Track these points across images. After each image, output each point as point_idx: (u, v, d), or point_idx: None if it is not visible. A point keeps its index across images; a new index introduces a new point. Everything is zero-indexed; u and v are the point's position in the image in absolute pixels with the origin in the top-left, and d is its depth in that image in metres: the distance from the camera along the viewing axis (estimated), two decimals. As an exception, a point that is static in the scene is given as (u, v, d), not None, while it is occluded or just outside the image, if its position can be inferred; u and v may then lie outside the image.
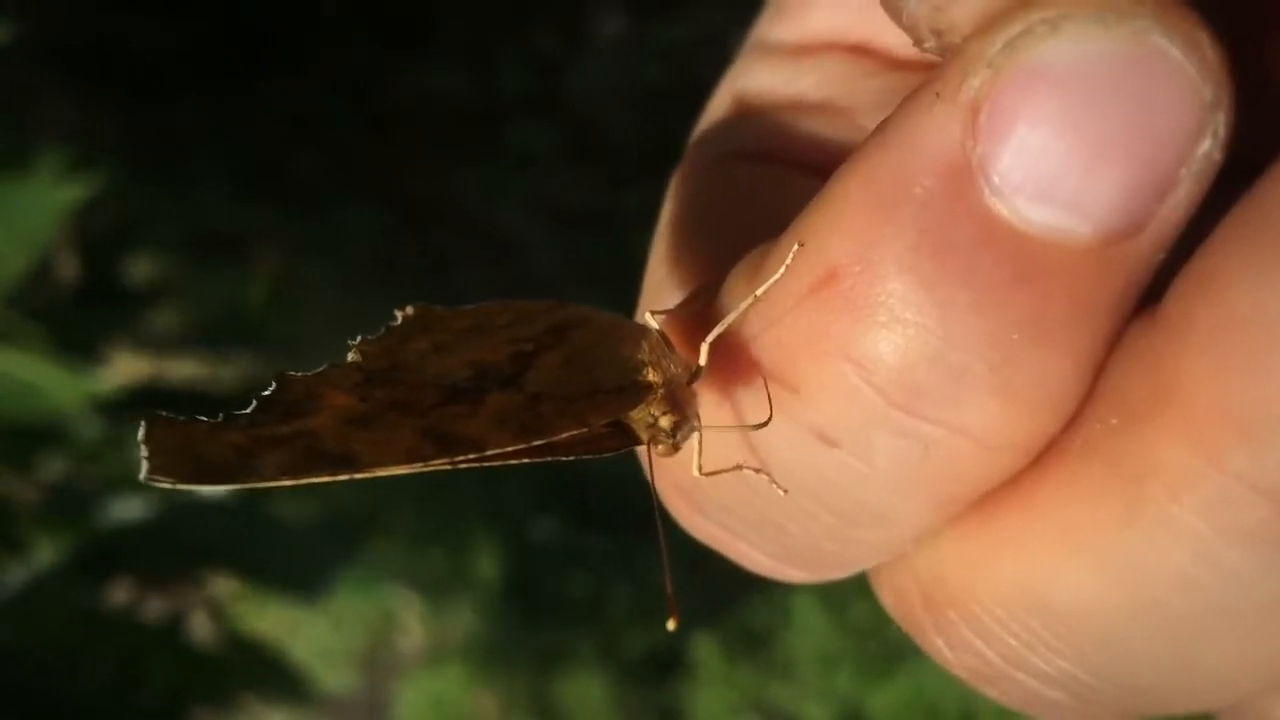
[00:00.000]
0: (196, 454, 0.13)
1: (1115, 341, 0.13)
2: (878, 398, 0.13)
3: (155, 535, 0.46)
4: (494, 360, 0.16)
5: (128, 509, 0.46)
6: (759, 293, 0.14)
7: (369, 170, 1.06)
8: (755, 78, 0.19)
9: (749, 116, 0.19)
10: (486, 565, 1.00)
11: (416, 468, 0.14)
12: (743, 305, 0.15)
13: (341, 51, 1.04)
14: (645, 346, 0.16)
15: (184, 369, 0.77)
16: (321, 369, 0.15)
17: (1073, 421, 0.13)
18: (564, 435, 0.15)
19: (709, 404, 0.16)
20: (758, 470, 0.15)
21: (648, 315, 0.17)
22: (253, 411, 0.14)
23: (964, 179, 0.12)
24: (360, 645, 1.01)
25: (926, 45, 0.13)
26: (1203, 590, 0.13)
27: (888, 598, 0.16)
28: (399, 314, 0.16)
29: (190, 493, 0.47)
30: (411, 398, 0.15)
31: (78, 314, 0.59)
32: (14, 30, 0.45)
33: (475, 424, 0.15)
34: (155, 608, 0.56)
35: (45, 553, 0.46)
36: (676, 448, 0.16)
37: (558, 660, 1.02)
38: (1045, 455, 0.13)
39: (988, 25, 0.12)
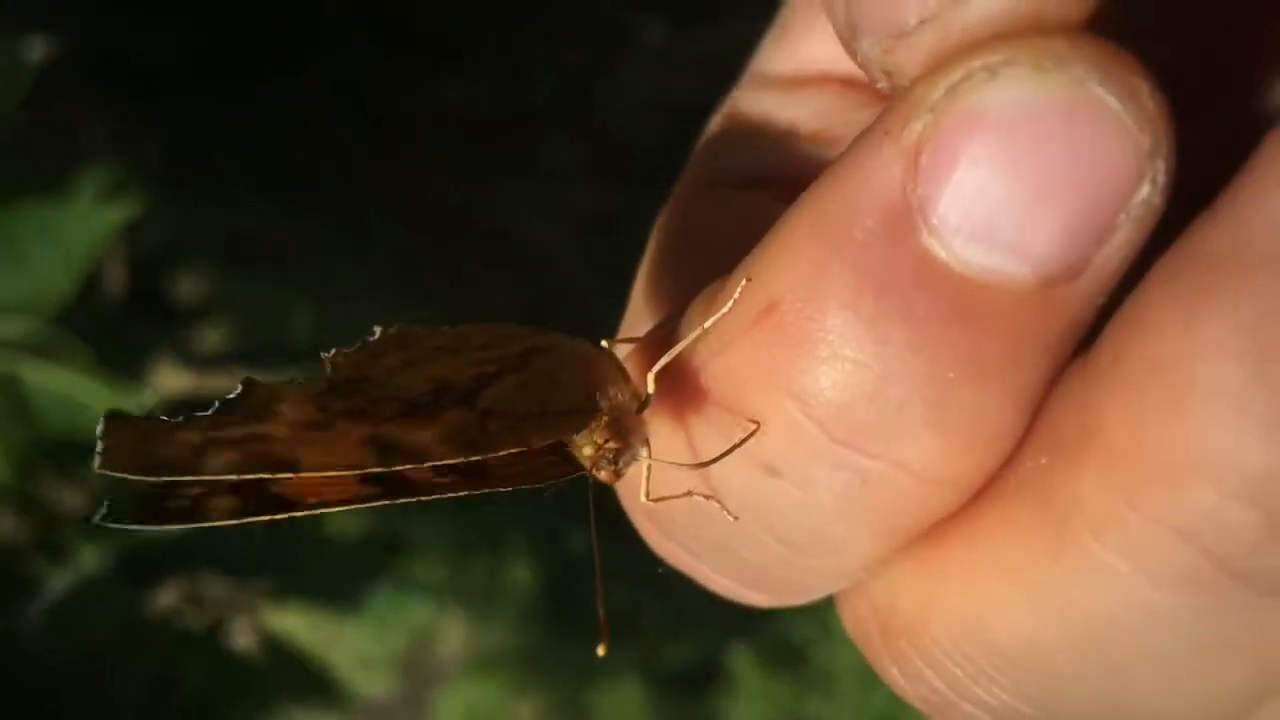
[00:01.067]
0: (149, 449, 0.14)
1: (1054, 382, 0.13)
2: (818, 431, 0.13)
3: (195, 544, 0.47)
4: (457, 379, 0.16)
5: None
6: (707, 325, 0.15)
7: (397, 181, 1.06)
8: (751, 107, 0.19)
9: (742, 145, 0.19)
10: (525, 576, 1.00)
11: (352, 497, 0.15)
12: (690, 336, 0.15)
13: (370, 63, 1.05)
14: (597, 372, 0.16)
15: (225, 384, 0.78)
16: (289, 378, 0.15)
17: (1011, 458, 0.13)
18: (505, 452, 0.15)
19: (663, 432, 0.16)
20: (707, 497, 0.15)
21: (604, 342, 0.17)
22: (213, 413, 0.14)
23: (904, 220, 0.12)
24: (400, 653, 1.01)
25: (880, 85, 0.13)
26: (1131, 631, 0.13)
27: (848, 623, 0.16)
28: (377, 330, 0.17)
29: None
30: (370, 408, 0.15)
31: (123, 329, 0.59)
32: (50, 48, 0.46)
33: (424, 436, 0.15)
34: (196, 615, 0.56)
35: (89, 561, 0.46)
36: (618, 474, 0.16)
37: (595, 671, 1.02)
38: (985, 490, 0.14)
39: (932, 70, 0.12)
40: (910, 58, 0.12)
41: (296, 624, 0.78)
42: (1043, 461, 0.13)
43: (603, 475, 0.16)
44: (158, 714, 0.46)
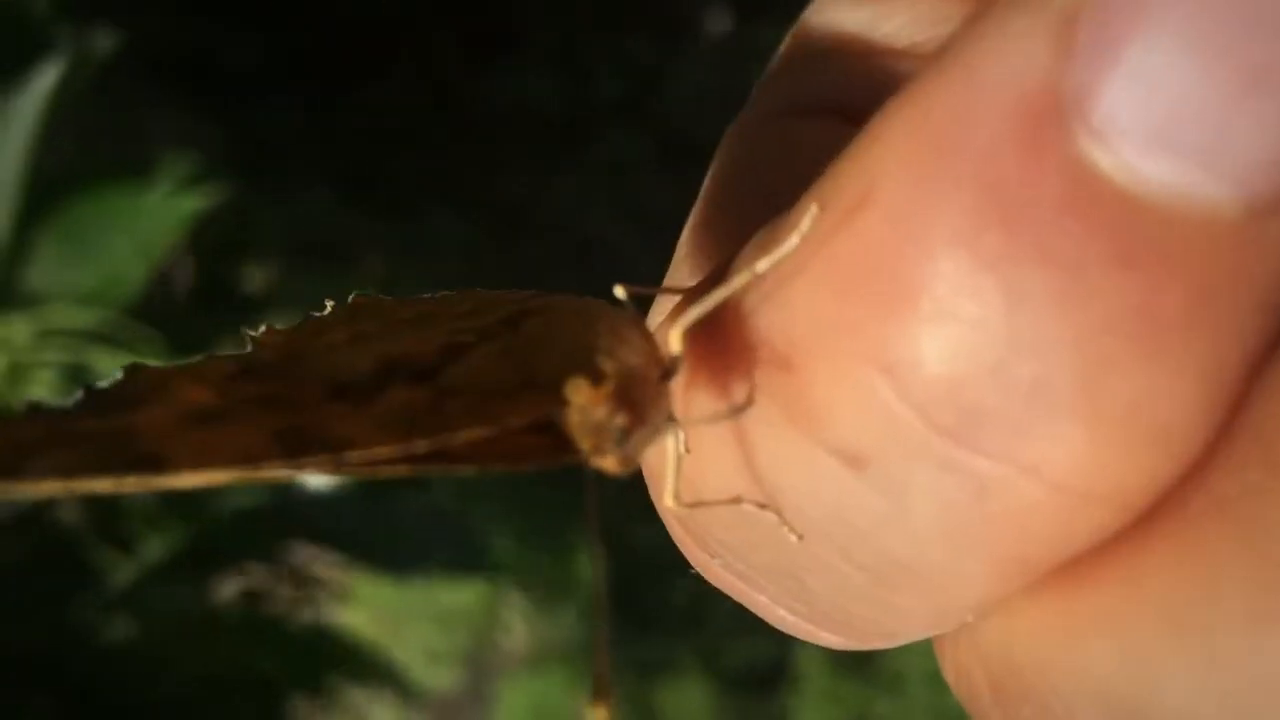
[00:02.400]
0: None
1: (1262, 361, 0.09)
2: (916, 419, 0.09)
3: (261, 522, 0.47)
4: (417, 353, 0.13)
5: (236, 503, 0.47)
6: (759, 268, 0.11)
7: (461, 176, 1.07)
8: (832, 19, 0.15)
9: (819, 65, 0.15)
10: (589, 570, 1.00)
11: (241, 473, 0.11)
12: (736, 282, 0.11)
13: (433, 58, 1.06)
14: (602, 331, 0.12)
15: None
16: (192, 360, 0.12)
17: (1196, 469, 0.09)
18: (463, 438, 0.11)
19: (696, 413, 0.12)
20: (762, 506, 0.11)
21: (620, 290, 0.13)
22: (76, 403, 0.12)
23: (1050, 118, 0.08)
24: (464, 644, 1.02)
25: None
26: None
27: (949, 674, 0.12)
28: (328, 303, 0.14)
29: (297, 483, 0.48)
30: (287, 394, 0.12)
31: (191, 321, 0.60)
32: (118, 41, 0.46)
33: (351, 424, 0.12)
34: (261, 603, 0.57)
35: (155, 550, 0.47)
36: (628, 461, 0.12)
37: (659, 668, 1.01)
38: (1155, 512, 0.10)
39: None
40: None
41: (361, 618, 0.79)
42: (1250, 478, 0.09)
43: (607, 462, 0.12)
44: (220, 704, 0.46)
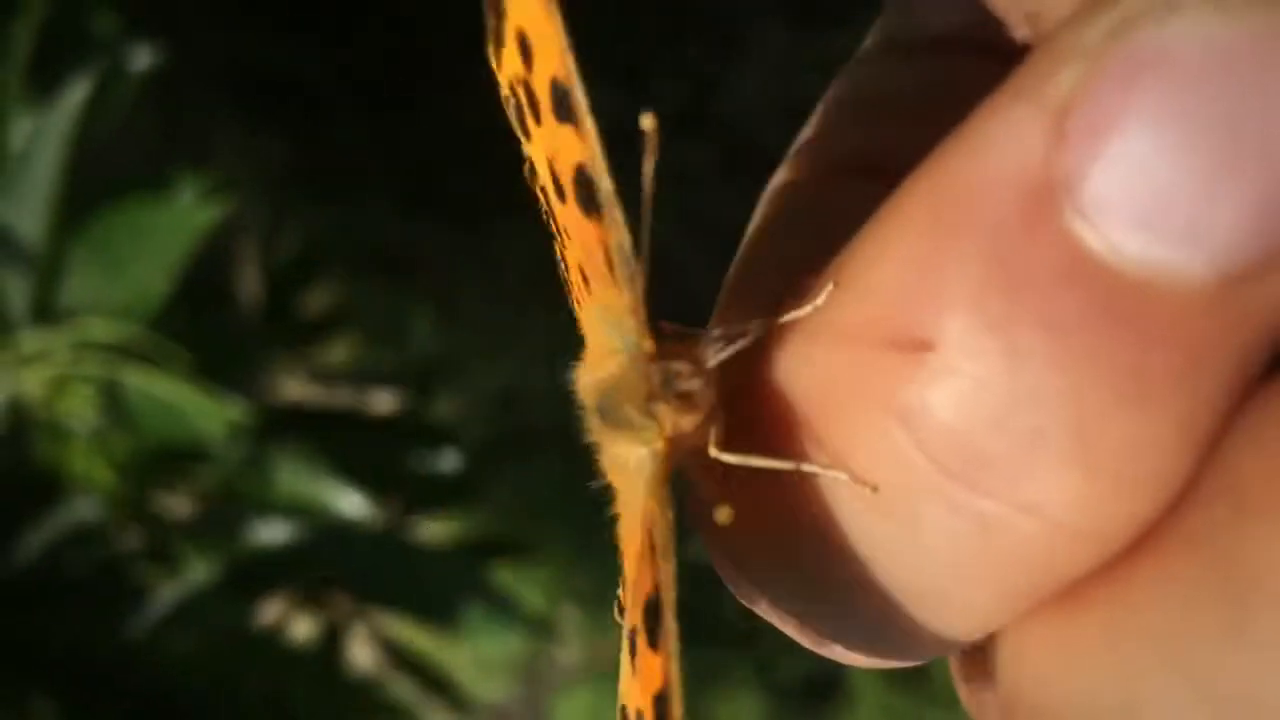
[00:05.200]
0: None
1: (1236, 409, 0.10)
2: (928, 463, 0.10)
3: (299, 559, 0.45)
4: None
5: (272, 532, 0.45)
6: (784, 319, 0.12)
7: (523, 188, 1.05)
8: (868, 80, 0.16)
9: (855, 125, 0.15)
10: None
11: None
12: (755, 331, 0.12)
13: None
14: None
15: (345, 396, 0.77)
16: None
17: (1177, 506, 0.10)
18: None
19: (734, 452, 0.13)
20: (827, 467, 0.12)
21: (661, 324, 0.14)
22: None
23: (1045, 198, 0.09)
24: (519, 656, 1.00)
25: (1020, 33, 0.11)
26: None
27: (962, 691, 0.14)
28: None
29: (334, 517, 0.46)
30: None
31: (253, 340, 0.58)
32: (158, 56, 0.44)
33: None
34: (310, 625, 0.55)
35: (198, 571, 0.45)
36: (691, 402, 0.12)
37: (712, 680, 0.99)
38: (1142, 544, 0.10)
39: (1088, 6, 0.09)
40: None
41: (414, 630, 0.77)
42: (1220, 513, 0.10)
43: (670, 410, 0.12)
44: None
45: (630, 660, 0.13)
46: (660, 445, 0.12)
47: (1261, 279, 0.09)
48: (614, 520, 0.14)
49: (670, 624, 0.12)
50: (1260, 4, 0.09)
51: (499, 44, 0.13)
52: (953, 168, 0.10)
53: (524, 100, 0.13)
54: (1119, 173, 0.09)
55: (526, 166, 0.14)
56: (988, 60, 0.14)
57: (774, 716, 1.01)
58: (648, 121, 0.12)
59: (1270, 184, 0.09)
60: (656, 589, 0.12)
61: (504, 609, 0.45)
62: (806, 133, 0.16)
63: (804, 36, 1.06)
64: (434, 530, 0.58)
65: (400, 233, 1.02)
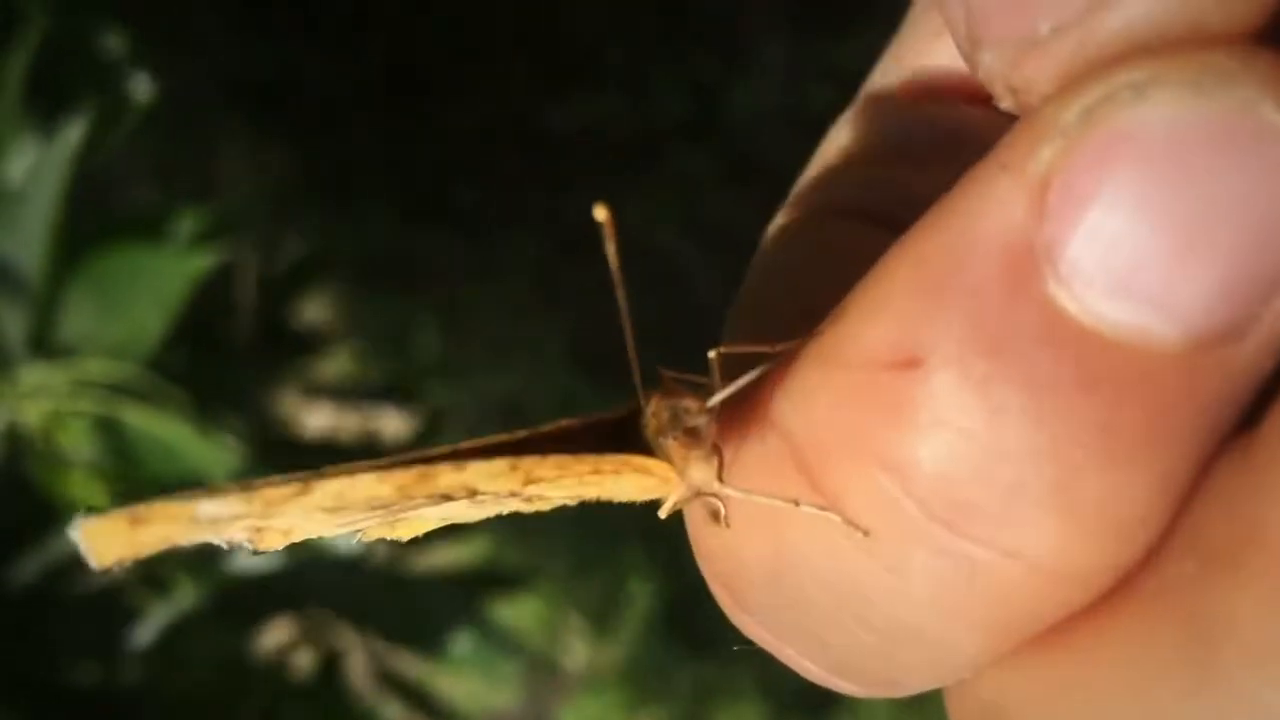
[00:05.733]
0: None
1: (1206, 463, 0.10)
2: (916, 510, 0.11)
3: (290, 586, 0.45)
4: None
5: (265, 559, 0.45)
6: (759, 372, 0.12)
7: (528, 197, 1.05)
8: (865, 126, 0.16)
9: (853, 169, 0.16)
10: (645, 591, 0.97)
11: None
12: (745, 378, 0.13)
13: (501, 79, 1.04)
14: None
15: (348, 413, 0.77)
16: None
17: (1151, 555, 0.11)
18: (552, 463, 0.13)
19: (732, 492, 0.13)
20: (822, 508, 0.12)
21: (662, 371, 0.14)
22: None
23: (1026, 266, 0.10)
24: (523, 664, 1.00)
25: (1005, 104, 0.11)
26: None
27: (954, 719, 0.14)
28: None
29: (321, 545, 0.46)
30: None
31: (254, 352, 0.58)
32: (156, 88, 0.44)
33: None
34: (308, 653, 0.55)
35: (188, 596, 0.45)
36: (696, 436, 0.13)
37: (716, 689, 0.99)
38: (1117, 589, 0.11)
39: (1065, 88, 0.10)
40: (1041, 71, 0.10)
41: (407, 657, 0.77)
42: (1188, 567, 0.10)
43: (678, 442, 0.13)
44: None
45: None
46: (671, 478, 0.13)
47: (1228, 343, 0.10)
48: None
49: None
50: (1218, 94, 0.09)
51: None
52: (941, 233, 0.11)
53: None
54: (1094, 243, 0.10)
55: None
56: (981, 108, 0.14)
57: (776, 726, 1.01)
58: (601, 213, 0.12)
59: (1235, 255, 0.09)
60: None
61: (497, 642, 0.45)
62: (807, 175, 0.17)
63: (808, 45, 1.05)
64: (433, 559, 0.59)
65: (405, 241, 1.02)
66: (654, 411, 0.13)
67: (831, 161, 0.16)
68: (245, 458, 0.38)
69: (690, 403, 0.13)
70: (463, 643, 0.46)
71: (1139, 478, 0.10)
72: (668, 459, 0.13)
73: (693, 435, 0.13)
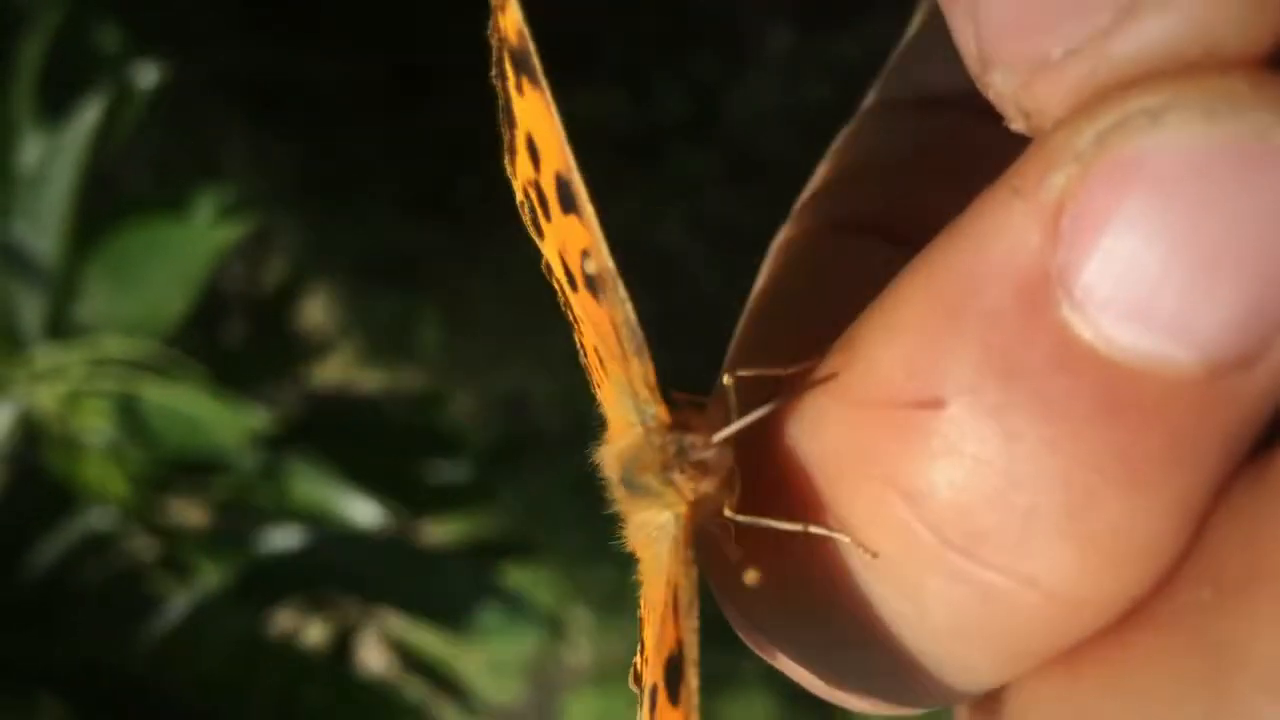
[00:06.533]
0: None
1: (1222, 490, 0.10)
2: (931, 536, 0.11)
3: (311, 565, 0.45)
4: None
5: (284, 539, 0.45)
6: (771, 407, 0.12)
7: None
8: (870, 139, 0.16)
9: (860, 182, 0.16)
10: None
11: None
12: (761, 412, 0.12)
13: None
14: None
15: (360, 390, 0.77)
16: None
17: (1166, 582, 0.11)
18: None
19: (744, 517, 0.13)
20: (832, 531, 0.12)
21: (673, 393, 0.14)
22: None
23: (1040, 291, 0.10)
24: (529, 659, 1.00)
25: (1016, 126, 0.11)
26: None
27: None
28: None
29: (346, 524, 0.46)
30: None
31: (253, 350, 0.58)
32: (165, 73, 0.45)
33: None
34: (321, 631, 0.55)
35: (210, 579, 0.45)
36: (704, 469, 0.13)
37: (723, 681, 0.99)
38: (1133, 615, 0.11)
39: (1078, 112, 0.10)
40: (1053, 95, 0.10)
41: (425, 633, 0.77)
42: (1204, 595, 0.10)
43: (682, 480, 0.13)
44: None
45: (649, 717, 0.13)
46: (682, 509, 0.13)
47: (1245, 369, 0.10)
48: (627, 541, 0.14)
49: (692, 681, 0.12)
50: (1232, 120, 0.09)
51: (512, 154, 0.14)
52: (954, 258, 0.10)
53: (535, 202, 0.14)
54: (1110, 269, 0.10)
55: (544, 264, 0.15)
56: (986, 120, 0.14)
57: (784, 717, 1.01)
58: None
59: (1251, 280, 0.09)
60: (679, 646, 0.12)
61: (516, 609, 0.45)
62: (810, 189, 0.16)
63: (809, 42, 1.06)
64: (444, 533, 0.59)
65: (408, 238, 1.02)
66: (660, 445, 0.13)
67: (837, 174, 0.16)
68: (269, 425, 0.38)
69: (696, 436, 0.13)
70: (483, 615, 0.46)
71: (1154, 504, 0.10)
72: (675, 490, 0.13)
73: (700, 467, 0.13)
